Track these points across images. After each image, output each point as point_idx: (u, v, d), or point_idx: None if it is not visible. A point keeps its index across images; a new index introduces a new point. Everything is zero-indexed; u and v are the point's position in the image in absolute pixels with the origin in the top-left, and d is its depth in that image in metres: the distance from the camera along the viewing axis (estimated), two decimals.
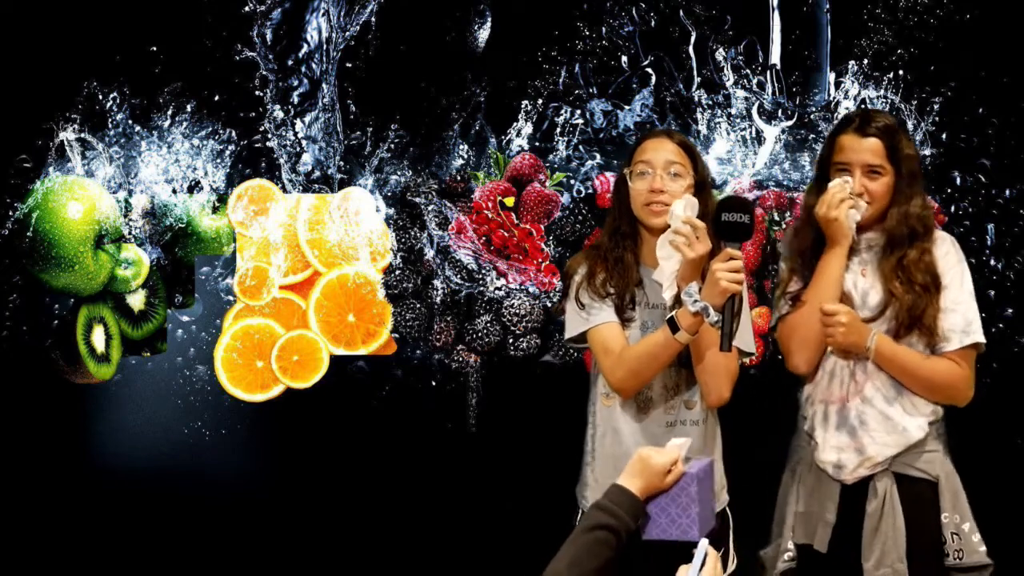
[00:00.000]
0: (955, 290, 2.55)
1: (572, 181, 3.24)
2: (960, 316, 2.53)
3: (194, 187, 3.23)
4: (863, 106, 3.19)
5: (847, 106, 3.21)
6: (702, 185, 2.55)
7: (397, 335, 3.20)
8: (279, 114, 3.21)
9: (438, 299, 3.17)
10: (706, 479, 2.20)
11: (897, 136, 2.55)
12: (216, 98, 3.22)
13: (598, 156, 3.26)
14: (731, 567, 2.58)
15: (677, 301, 2.41)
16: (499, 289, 3.13)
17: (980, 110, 3.20)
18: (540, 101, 3.25)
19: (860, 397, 2.55)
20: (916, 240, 2.55)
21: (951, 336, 2.53)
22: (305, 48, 3.21)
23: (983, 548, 2.52)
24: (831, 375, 2.59)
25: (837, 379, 2.58)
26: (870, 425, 2.53)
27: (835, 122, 2.79)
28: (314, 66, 3.22)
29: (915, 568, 2.49)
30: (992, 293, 3.18)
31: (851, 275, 2.60)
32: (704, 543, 1.89)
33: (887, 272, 2.55)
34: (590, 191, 3.23)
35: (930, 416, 2.55)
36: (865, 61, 3.20)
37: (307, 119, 3.23)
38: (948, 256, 2.57)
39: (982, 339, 2.55)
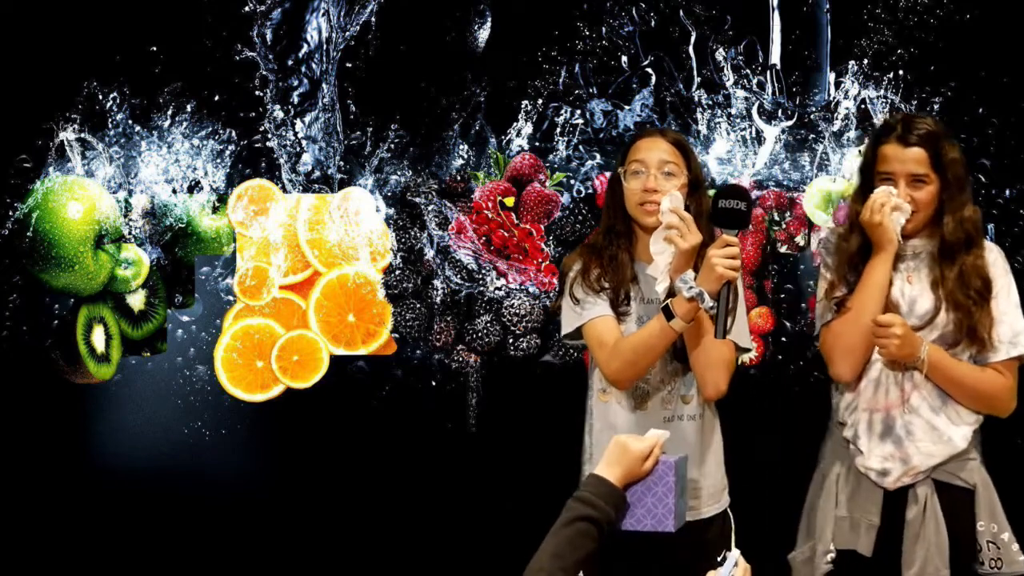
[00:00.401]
0: (1003, 300, 2.54)
1: (572, 181, 3.24)
2: (1007, 327, 2.52)
3: (194, 187, 3.23)
4: (864, 106, 3.19)
5: (847, 106, 3.21)
6: (696, 183, 2.55)
7: (397, 335, 3.20)
8: (279, 114, 3.21)
9: (438, 299, 3.17)
10: (683, 471, 2.18)
11: (940, 142, 2.51)
12: (216, 98, 3.22)
13: (598, 156, 3.26)
14: None
15: (671, 293, 2.42)
16: (499, 289, 3.13)
17: (980, 110, 3.20)
18: (540, 101, 3.25)
19: (907, 407, 2.54)
20: (972, 246, 2.54)
21: (999, 347, 2.51)
22: (305, 48, 3.21)
23: (1022, 558, 2.52)
24: (876, 383, 2.57)
25: (883, 388, 2.56)
26: (916, 435, 2.52)
27: (876, 129, 2.71)
28: (314, 66, 3.22)
29: (953, 574, 2.49)
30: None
31: (898, 282, 2.57)
32: (736, 552, 1.88)
33: (947, 281, 2.53)
34: (590, 191, 3.23)
35: (973, 425, 2.54)
36: (865, 61, 3.19)
37: (307, 119, 3.23)
38: (996, 265, 2.56)
39: None
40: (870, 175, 2.58)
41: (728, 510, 2.62)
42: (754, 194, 3.22)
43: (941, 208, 2.54)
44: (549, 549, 1.90)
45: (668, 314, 2.38)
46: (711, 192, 2.57)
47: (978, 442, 2.57)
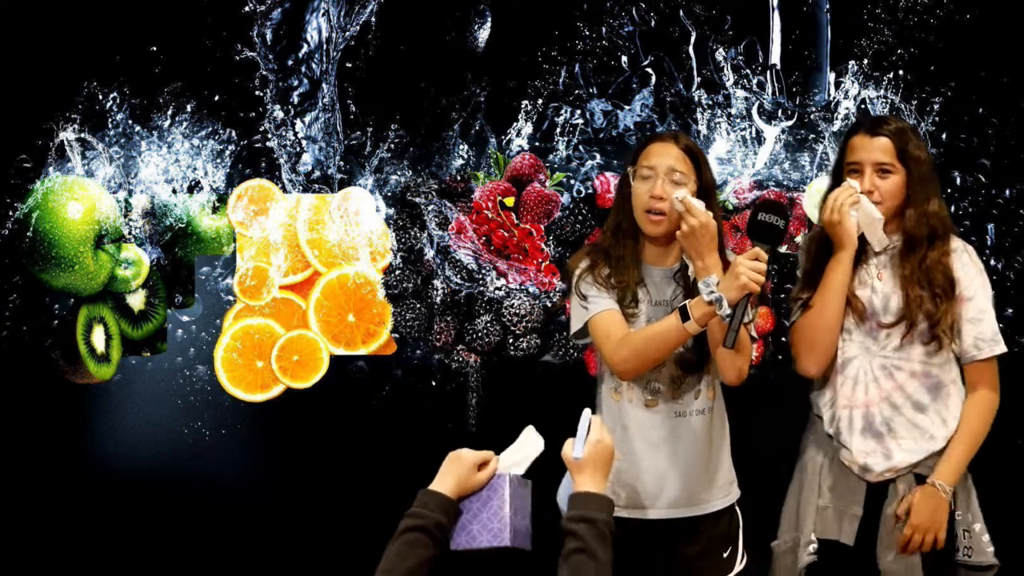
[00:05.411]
0: (982, 300, 2.59)
1: (572, 181, 3.24)
2: (987, 326, 2.58)
3: (194, 187, 3.23)
4: (864, 106, 3.20)
5: (847, 106, 3.21)
6: (707, 190, 2.54)
7: (397, 335, 3.20)
8: (279, 114, 3.21)
9: (438, 299, 3.17)
10: (524, 491, 2.17)
11: (907, 137, 2.57)
12: (216, 98, 3.22)
13: (598, 156, 3.26)
14: (739, 567, 2.57)
15: (688, 294, 2.44)
16: (499, 289, 3.13)
17: (980, 110, 3.20)
18: (540, 101, 3.25)
19: (888, 403, 2.57)
20: (936, 241, 2.57)
21: (982, 346, 2.57)
22: (305, 48, 3.21)
23: (991, 549, 2.58)
24: (855, 380, 2.61)
25: (861, 384, 2.60)
26: (899, 432, 2.57)
27: (844, 126, 2.80)
28: (314, 66, 3.22)
29: (927, 561, 2.54)
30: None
31: (868, 280, 2.61)
32: (587, 412, 1.90)
33: (907, 274, 2.57)
34: (590, 191, 3.23)
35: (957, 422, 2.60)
36: (865, 61, 3.19)
37: (307, 119, 3.23)
38: (968, 267, 2.59)
39: (1005, 348, 2.61)
40: (840, 171, 2.64)
41: (736, 506, 2.62)
42: (754, 194, 3.22)
43: (907, 202, 2.58)
44: (380, 566, 2.02)
45: (684, 315, 2.38)
46: (728, 197, 2.59)
47: None
